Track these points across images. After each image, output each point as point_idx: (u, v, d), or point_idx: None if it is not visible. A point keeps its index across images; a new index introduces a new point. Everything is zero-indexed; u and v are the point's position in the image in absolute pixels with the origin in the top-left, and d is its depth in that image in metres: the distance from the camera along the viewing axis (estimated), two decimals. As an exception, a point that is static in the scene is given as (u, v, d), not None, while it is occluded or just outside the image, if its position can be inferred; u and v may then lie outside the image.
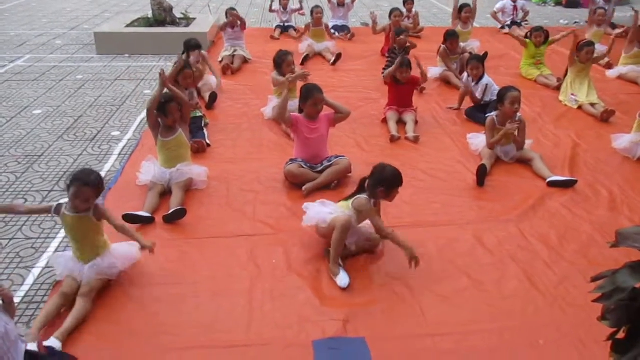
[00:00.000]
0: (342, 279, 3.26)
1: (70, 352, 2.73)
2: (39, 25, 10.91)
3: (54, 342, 2.70)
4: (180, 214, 3.88)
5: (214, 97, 6.21)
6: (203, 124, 5.43)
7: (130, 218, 3.76)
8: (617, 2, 10.36)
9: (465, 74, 6.18)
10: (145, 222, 3.84)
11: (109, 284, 3.19)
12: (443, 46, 7.16)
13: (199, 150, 4.97)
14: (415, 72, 5.75)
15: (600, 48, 7.43)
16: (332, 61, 7.96)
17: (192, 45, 6.33)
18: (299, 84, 4.82)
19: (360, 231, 3.54)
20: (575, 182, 4.47)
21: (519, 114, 4.81)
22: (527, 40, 7.27)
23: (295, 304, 3.12)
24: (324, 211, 3.50)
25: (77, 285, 3.07)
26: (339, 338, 2.85)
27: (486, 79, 5.93)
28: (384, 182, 3.36)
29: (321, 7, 8.70)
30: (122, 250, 3.31)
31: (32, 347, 2.63)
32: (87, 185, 3.02)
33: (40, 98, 6.57)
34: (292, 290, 3.23)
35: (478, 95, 5.89)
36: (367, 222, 3.49)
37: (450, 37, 7.12)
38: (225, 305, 3.10)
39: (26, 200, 4.22)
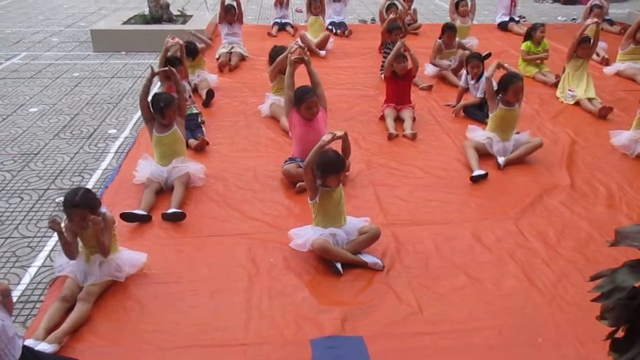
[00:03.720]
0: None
1: (68, 350, 2.73)
2: (35, 22, 10.85)
3: (43, 347, 2.66)
4: (179, 217, 3.87)
5: (210, 94, 6.14)
6: (200, 121, 5.41)
7: (127, 216, 3.76)
8: None
9: (463, 72, 6.15)
10: (142, 220, 3.83)
11: (108, 289, 3.17)
12: (439, 41, 7.10)
13: (202, 147, 4.96)
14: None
15: (600, 45, 7.42)
16: (323, 54, 8.01)
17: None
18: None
19: (338, 235, 3.50)
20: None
21: (486, 73, 4.87)
22: (529, 44, 7.18)
23: (293, 302, 3.11)
24: (303, 235, 3.50)
25: (77, 289, 3.06)
26: (337, 337, 2.84)
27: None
28: (319, 166, 3.43)
29: None
30: (129, 256, 3.32)
31: (43, 346, 2.65)
32: (76, 207, 2.99)
33: (36, 96, 6.53)
34: (290, 288, 3.22)
35: (479, 93, 5.87)
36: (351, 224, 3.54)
37: (448, 29, 7.04)
38: (223, 304, 3.09)
39: (22, 199, 4.21)
